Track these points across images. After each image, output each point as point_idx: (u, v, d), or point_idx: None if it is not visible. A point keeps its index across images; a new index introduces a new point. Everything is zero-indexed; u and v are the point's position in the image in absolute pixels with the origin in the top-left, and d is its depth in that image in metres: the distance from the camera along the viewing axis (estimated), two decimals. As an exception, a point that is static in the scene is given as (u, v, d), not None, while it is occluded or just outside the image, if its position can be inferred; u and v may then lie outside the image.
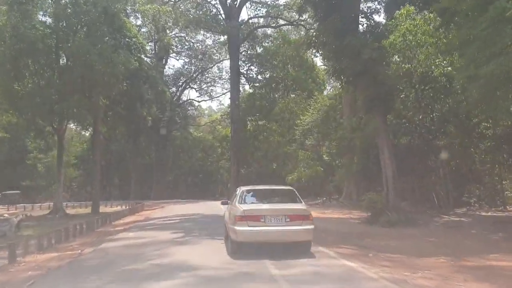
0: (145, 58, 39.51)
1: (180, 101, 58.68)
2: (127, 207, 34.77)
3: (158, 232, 14.79)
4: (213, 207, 28.31)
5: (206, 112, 73.07)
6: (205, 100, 63.80)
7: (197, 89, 64.20)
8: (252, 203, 9.80)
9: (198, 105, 65.92)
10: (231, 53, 47.65)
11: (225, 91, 63.40)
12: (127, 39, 30.66)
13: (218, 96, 64.65)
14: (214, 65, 63.36)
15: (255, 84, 55.13)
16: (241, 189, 10.54)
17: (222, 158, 60.43)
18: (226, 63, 59.54)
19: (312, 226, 9.31)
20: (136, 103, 35.51)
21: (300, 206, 9.63)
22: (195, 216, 21.66)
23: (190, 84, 62.95)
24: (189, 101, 60.52)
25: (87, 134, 67.35)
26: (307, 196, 45.97)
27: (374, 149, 20.88)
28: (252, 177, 51.70)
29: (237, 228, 9.02)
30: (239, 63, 50.00)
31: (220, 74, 64.64)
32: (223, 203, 12.46)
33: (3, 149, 56.48)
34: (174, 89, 60.52)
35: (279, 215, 9.09)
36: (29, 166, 58.94)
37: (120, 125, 37.59)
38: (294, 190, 10.74)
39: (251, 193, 10.49)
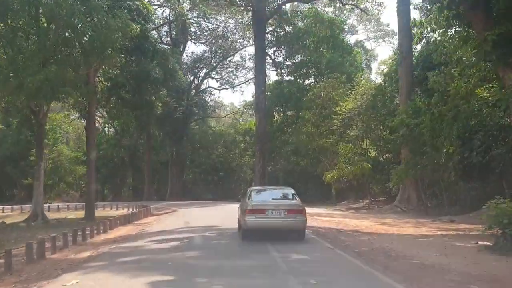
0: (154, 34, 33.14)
1: (199, 90, 52.07)
2: (133, 211, 28.57)
3: (124, 279, 7.86)
4: (234, 213, 21.93)
5: (228, 107, 66.90)
6: (226, 88, 55.20)
7: (217, 79, 57.78)
8: (258, 200, 12.42)
9: (219, 97, 59.19)
10: (256, 31, 40.85)
11: (248, 80, 56.48)
12: (128, 1, 24.34)
13: (241, 84, 56.13)
14: (236, 53, 56.90)
15: (282, 70, 48.31)
16: (251, 189, 13.81)
17: (245, 154, 53.81)
18: (249, 50, 53.18)
19: (305, 218, 12.04)
20: (142, 84, 29.02)
21: (296, 202, 12.28)
22: (207, 233, 14.90)
23: (210, 73, 56.49)
24: (209, 89, 53.91)
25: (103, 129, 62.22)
26: (347, 197, 39.22)
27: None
28: (279, 175, 44.93)
29: (246, 218, 11.67)
30: (265, 45, 43.13)
31: (243, 63, 58.19)
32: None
33: (4, 143, 51.00)
34: (192, 77, 54.07)
35: (279, 209, 11.66)
36: (32, 163, 53.51)
37: (125, 113, 30.94)
38: (292, 189, 13.51)
39: (258, 192, 13.68)
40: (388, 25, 70.12)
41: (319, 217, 21.86)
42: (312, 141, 36.56)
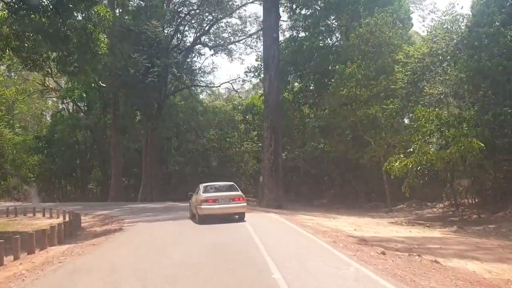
0: None
1: (183, 48, 37.92)
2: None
3: None
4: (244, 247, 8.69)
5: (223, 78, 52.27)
6: (219, 51, 41.03)
7: (211, 45, 43.58)
8: (210, 192, 15.58)
9: (213, 63, 45.28)
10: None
11: (250, 45, 42.24)
12: None
13: (240, 54, 41.89)
14: (234, 11, 42.72)
15: (299, 19, 34.64)
16: (203, 185, 16.46)
17: (246, 138, 40.27)
18: (251, 8, 39.56)
19: (245, 204, 15.67)
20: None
21: (238, 193, 15.68)
22: None
23: (201, 38, 42.23)
24: (198, 47, 39.60)
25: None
26: (402, 199, 25.93)
27: None
28: (299, 167, 31.51)
29: (202, 206, 14.94)
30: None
31: (243, 26, 43.95)
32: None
33: None
34: (172, 32, 39.88)
35: (226, 199, 15.14)
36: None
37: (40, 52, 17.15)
38: (234, 184, 17.17)
39: (208, 187, 16.25)
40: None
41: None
42: (356, 110, 23.07)
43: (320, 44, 31.72)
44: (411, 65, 20.52)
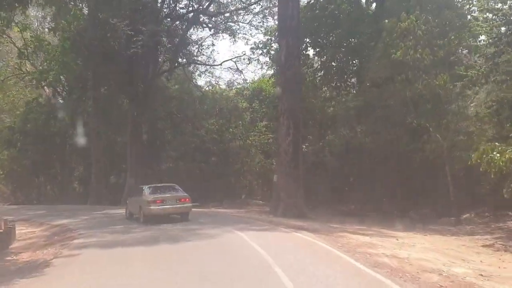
0: None
1: (175, 16, 30.87)
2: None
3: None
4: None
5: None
6: (220, 32, 34.09)
7: (211, 26, 36.68)
8: (156, 193, 16.22)
9: (212, 45, 38.61)
10: None
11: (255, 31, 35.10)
12: None
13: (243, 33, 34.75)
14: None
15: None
16: (146, 186, 17.03)
17: (253, 129, 33.62)
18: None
19: (190, 204, 16.47)
20: None
21: (184, 194, 16.49)
22: None
23: (199, 16, 35.19)
24: (193, 14, 32.11)
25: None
26: (463, 205, 18.90)
27: None
28: (326, 163, 24.97)
29: (151, 207, 15.50)
30: None
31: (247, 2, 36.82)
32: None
33: None
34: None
35: (173, 199, 15.98)
36: None
37: None
38: (176, 185, 17.71)
39: (152, 188, 16.84)
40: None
41: None
42: (413, 81, 16.40)
43: (349, 8, 25.02)
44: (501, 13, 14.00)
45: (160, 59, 30.71)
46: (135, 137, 30.26)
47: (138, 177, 29.56)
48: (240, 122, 33.56)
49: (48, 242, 13.16)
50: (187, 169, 32.53)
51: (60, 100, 36.97)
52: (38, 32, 37.81)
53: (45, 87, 38.57)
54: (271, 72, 32.69)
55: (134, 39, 24.29)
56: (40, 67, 35.00)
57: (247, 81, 35.81)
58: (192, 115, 34.02)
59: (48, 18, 36.46)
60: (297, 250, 9.69)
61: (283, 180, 20.63)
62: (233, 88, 36.07)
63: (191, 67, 35.06)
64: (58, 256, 9.86)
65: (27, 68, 37.80)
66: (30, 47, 34.08)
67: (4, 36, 34.34)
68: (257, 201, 31.73)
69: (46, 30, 38.17)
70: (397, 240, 12.63)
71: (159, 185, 18.01)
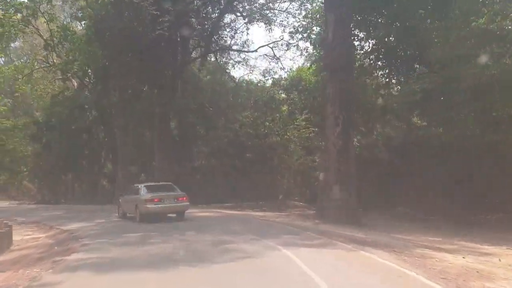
0: None
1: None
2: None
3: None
4: None
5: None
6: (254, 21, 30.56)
7: (244, 14, 33.34)
8: (153, 191, 15.95)
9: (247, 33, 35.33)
10: None
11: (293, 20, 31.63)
12: None
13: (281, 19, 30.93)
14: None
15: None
16: (143, 185, 17.10)
17: (291, 122, 30.40)
18: None
19: (188, 203, 16.34)
20: None
21: (181, 193, 16.32)
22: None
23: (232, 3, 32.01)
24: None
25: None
26: None
27: None
28: (381, 158, 21.58)
29: (148, 205, 15.23)
30: None
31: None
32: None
33: None
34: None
35: (170, 198, 15.79)
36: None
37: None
38: (172, 183, 17.55)
39: (148, 187, 16.72)
40: None
41: None
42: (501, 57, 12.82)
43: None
44: None
45: (190, 45, 27.92)
46: (163, 131, 27.69)
47: (166, 174, 26.95)
48: (278, 115, 30.43)
49: (44, 254, 10.50)
50: (220, 167, 29.74)
51: (86, 93, 34.90)
52: (65, 22, 36.07)
53: (73, 80, 36.77)
54: (311, 59, 29.42)
55: (160, 19, 21.54)
56: (65, 58, 32.97)
57: (285, 70, 32.68)
58: (225, 107, 31.14)
59: (74, 8, 34.66)
60: (382, 285, 6.55)
61: (332, 178, 17.41)
62: (270, 78, 32.90)
63: (224, 55, 32.12)
64: (34, 281, 7.07)
65: (54, 60, 36.02)
66: (56, 38, 32.21)
67: (30, 26, 32.79)
68: (295, 202, 28.63)
69: (70, 19, 36.50)
70: (500, 260, 9.27)
71: (155, 184, 18.20)
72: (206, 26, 26.27)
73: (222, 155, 29.68)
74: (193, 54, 29.13)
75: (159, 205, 15.30)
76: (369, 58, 23.74)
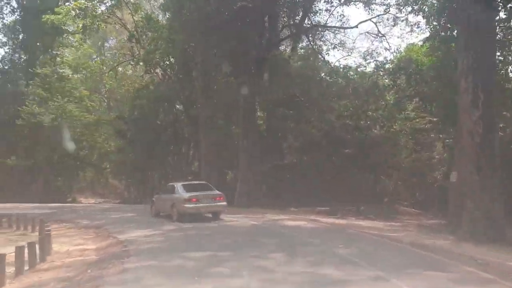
0: None
1: None
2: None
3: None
4: None
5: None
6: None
7: None
8: (190, 191, 15.56)
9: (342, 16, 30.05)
10: None
11: None
12: None
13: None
14: None
15: None
16: (179, 184, 16.63)
17: (401, 113, 25.33)
18: None
19: (225, 203, 16.10)
20: None
21: (218, 192, 16.05)
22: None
23: None
24: None
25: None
26: None
27: None
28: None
29: (186, 205, 14.95)
30: None
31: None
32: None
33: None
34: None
35: (208, 198, 15.46)
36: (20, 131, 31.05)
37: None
38: (208, 183, 17.57)
39: (187, 186, 16.30)
40: None
41: None
42: None
43: None
44: None
45: (279, 23, 24.20)
46: (248, 125, 24.28)
47: (251, 172, 23.56)
48: (383, 102, 25.60)
49: (75, 274, 7.38)
50: (313, 164, 25.74)
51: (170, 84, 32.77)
52: (149, 12, 34.48)
53: (157, 72, 34.99)
54: (424, 35, 24.26)
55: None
56: (148, 47, 31.14)
57: (391, 50, 27.67)
58: (318, 96, 26.95)
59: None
60: None
61: (470, 180, 12.58)
62: (372, 61, 28.02)
63: (318, 36, 27.92)
64: None
65: (139, 52, 34.48)
66: (139, 28, 30.64)
67: (113, 17, 31.59)
68: (404, 207, 23.82)
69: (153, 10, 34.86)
70: None
71: (190, 182, 18.33)
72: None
73: (316, 151, 25.66)
74: (282, 35, 25.29)
75: (197, 205, 15.06)
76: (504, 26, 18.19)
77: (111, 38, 43.09)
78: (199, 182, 18.74)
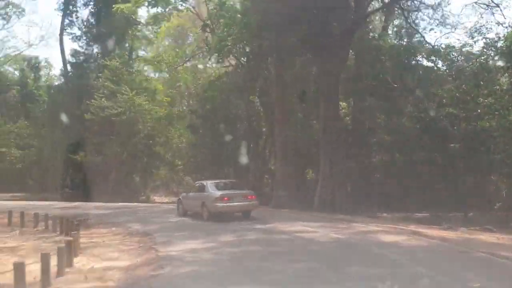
0: None
1: None
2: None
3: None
4: None
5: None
6: None
7: None
8: (221, 189, 15.38)
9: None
10: None
11: None
12: None
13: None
14: None
15: None
16: (209, 182, 16.30)
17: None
18: None
19: (256, 202, 15.47)
20: None
21: (249, 191, 16.02)
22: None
23: None
24: None
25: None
26: None
27: None
28: None
29: (217, 204, 14.57)
30: None
31: None
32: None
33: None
34: None
35: (239, 196, 15.03)
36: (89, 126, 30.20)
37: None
38: (238, 181, 18.58)
39: (217, 184, 16.11)
40: None
41: None
42: None
43: None
44: None
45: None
46: (329, 116, 20.80)
47: (335, 169, 20.07)
48: (497, 87, 20.85)
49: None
50: (408, 162, 21.77)
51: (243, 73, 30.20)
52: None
53: (230, 62, 32.65)
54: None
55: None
56: (220, 34, 28.84)
57: (505, 25, 22.63)
58: (414, 81, 22.75)
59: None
60: None
61: None
62: (480, 38, 23.15)
63: (414, 13, 23.65)
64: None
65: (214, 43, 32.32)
66: (213, 17, 28.62)
67: (185, 4, 29.85)
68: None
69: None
70: None
71: (220, 181, 17.69)
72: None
73: (412, 147, 21.61)
74: (370, 8, 21.50)
75: (228, 204, 14.71)
76: None
77: (189, 34, 41.90)
78: (230, 180, 18.53)
